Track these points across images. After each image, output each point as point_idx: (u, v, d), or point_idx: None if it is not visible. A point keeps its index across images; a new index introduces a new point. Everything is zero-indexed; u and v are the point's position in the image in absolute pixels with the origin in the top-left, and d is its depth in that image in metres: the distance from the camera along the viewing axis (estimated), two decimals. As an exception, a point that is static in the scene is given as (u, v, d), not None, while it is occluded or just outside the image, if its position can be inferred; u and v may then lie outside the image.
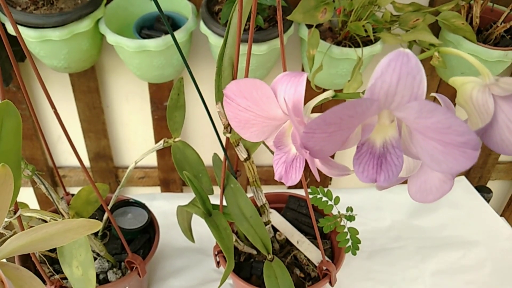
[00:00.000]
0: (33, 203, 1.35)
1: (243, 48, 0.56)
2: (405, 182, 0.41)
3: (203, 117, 1.20)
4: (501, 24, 0.96)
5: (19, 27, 0.86)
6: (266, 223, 0.77)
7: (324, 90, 0.38)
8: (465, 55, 0.35)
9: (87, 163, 1.29)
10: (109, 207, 0.76)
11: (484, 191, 1.29)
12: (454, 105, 0.38)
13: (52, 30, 0.86)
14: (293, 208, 0.88)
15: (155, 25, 0.99)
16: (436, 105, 0.28)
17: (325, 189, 0.78)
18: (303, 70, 1.11)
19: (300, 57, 1.07)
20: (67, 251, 0.65)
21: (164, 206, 1.03)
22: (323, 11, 0.86)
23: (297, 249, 0.82)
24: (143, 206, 0.87)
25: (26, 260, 0.79)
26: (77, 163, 1.04)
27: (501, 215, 1.15)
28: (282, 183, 0.40)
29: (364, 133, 0.32)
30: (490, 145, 0.33)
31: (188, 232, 0.79)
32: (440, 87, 1.17)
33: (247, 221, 0.68)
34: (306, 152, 0.32)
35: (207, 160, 0.72)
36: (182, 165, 0.71)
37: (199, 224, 0.77)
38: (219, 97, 0.56)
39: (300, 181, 0.54)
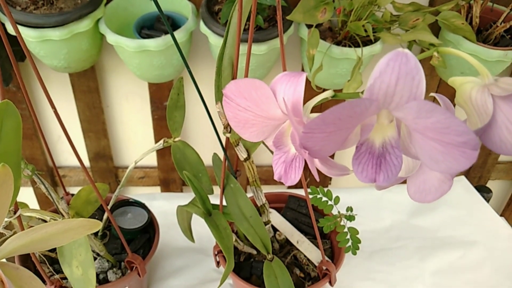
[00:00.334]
0: (33, 203, 1.35)
1: (243, 48, 0.56)
2: (405, 182, 0.41)
3: (203, 117, 1.20)
4: (501, 24, 0.96)
5: (19, 27, 0.86)
6: (266, 223, 0.77)
7: (324, 90, 0.38)
8: (464, 55, 0.35)
9: (87, 163, 1.29)
10: (109, 207, 0.76)
11: (484, 191, 1.29)
12: (454, 105, 0.38)
13: (52, 30, 0.86)
14: (293, 208, 0.88)
15: (155, 25, 0.99)
16: (435, 105, 0.28)
17: (325, 189, 0.78)
18: (303, 70, 1.11)
19: (300, 57, 1.07)
20: (67, 251, 0.65)
21: (164, 206, 1.03)
22: (323, 11, 0.86)
23: (297, 249, 0.82)
24: (143, 206, 0.87)
25: (26, 260, 0.79)
26: (77, 163, 1.04)
27: (501, 215, 1.15)
28: (282, 183, 0.40)
29: (363, 133, 0.32)
30: (489, 145, 0.33)
31: (188, 232, 0.79)
32: (440, 87, 1.17)
33: (247, 221, 0.68)
34: (305, 152, 0.32)
35: (207, 160, 0.72)
36: (182, 165, 0.71)
37: (199, 224, 0.77)
38: (219, 97, 0.56)
39: (300, 181, 0.54)
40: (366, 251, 0.98)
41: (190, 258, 0.95)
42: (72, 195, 0.76)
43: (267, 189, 0.82)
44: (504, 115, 0.32)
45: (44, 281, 0.70)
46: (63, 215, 0.71)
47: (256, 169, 0.68)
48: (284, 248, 0.83)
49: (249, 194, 0.73)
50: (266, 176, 1.32)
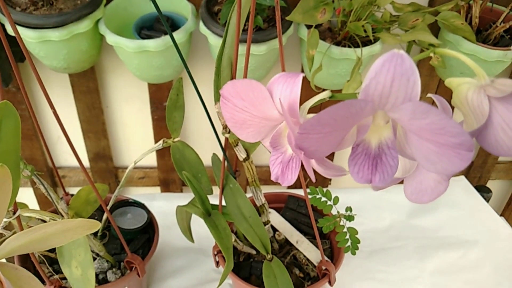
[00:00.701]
0: (33, 204, 1.35)
1: (242, 48, 0.56)
2: (403, 182, 0.41)
3: (202, 117, 1.20)
4: (500, 24, 0.96)
5: (19, 28, 0.86)
6: (265, 223, 0.77)
7: (324, 90, 0.38)
8: (461, 56, 0.35)
9: (86, 163, 1.29)
10: (108, 207, 0.76)
11: (484, 191, 1.29)
12: (452, 106, 0.38)
13: (51, 31, 0.87)
14: (292, 208, 0.88)
15: (155, 25, 0.99)
16: (430, 106, 0.28)
17: (324, 189, 0.78)
18: (302, 70, 1.11)
19: (300, 58, 1.07)
20: (67, 251, 0.65)
21: (163, 206, 1.03)
22: (323, 11, 0.86)
23: (297, 249, 0.82)
24: (142, 206, 0.87)
25: (25, 260, 0.79)
26: (77, 164, 1.04)
27: (500, 215, 1.15)
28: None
29: (359, 134, 0.33)
30: (485, 146, 0.33)
31: (187, 232, 0.79)
32: (440, 87, 1.17)
33: (246, 221, 0.68)
34: (301, 152, 0.32)
35: (206, 160, 0.72)
36: (182, 165, 0.71)
37: (198, 224, 0.77)
38: (218, 97, 0.56)
39: (299, 181, 0.55)
40: (365, 251, 0.98)
41: (190, 258, 0.96)
42: (72, 195, 0.76)
43: (266, 189, 0.82)
44: (500, 116, 0.32)
45: (43, 282, 0.70)
46: (62, 216, 0.71)
47: (256, 169, 0.68)
48: (284, 248, 0.83)
49: (249, 194, 0.73)
50: (266, 176, 1.32)
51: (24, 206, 0.71)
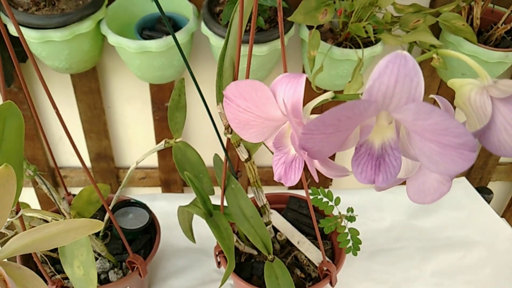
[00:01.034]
0: (35, 204, 1.35)
1: (244, 49, 0.57)
2: (405, 183, 0.41)
3: (204, 117, 1.20)
4: (501, 25, 0.96)
5: (21, 28, 0.86)
6: (267, 224, 0.77)
7: (325, 91, 0.38)
8: (463, 56, 0.35)
9: (88, 163, 1.29)
10: (110, 208, 0.76)
11: (485, 192, 1.29)
12: (454, 107, 0.38)
13: (53, 31, 0.87)
14: (294, 209, 0.88)
15: (156, 26, 0.99)
16: (433, 107, 0.28)
17: (326, 190, 0.78)
18: (303, 71, 1.11)
19: (301, 58, 1.07)
20: (69, 251, 0.65)
21: (165, 206, 1.03)
22: (324, 12, 0.86)
23: (298, 250, 0.82)
24: (144, 206, 0.87)
25: (27, 260, 0.79)
26: (79, 164, 1.05)
27: (501, 216, 1.15)
28: (282, 184, 0.40)
29: (363, 134, 0.33)
30: (488, 146, 0.33)
31: (189, 232, 0.79)
32: (441, 88, 1.17)
33: (248, 222, 0.68)
34: (304, 153, 0.32)
35: (208, 161, 0.72)
36: (183, 165, 0.71)
37: (200, 224, 0.77)
38: (220, 98, 0.56)
39: (301, 182, 0.55)
40: (366, 251, 0.98)
41: (191, 258, 0.96)
42: (74, 195, 0.76)
43: (268, 189, 0.82)
44: (503, 117, 0.32)
45: (45, 281, 0.70)
46: (64, 216, 0.71)
47: (257, 170, 0.68)
48: (285, 248, 0.83)
49: (250, 195, 0.73)
50: (267, 176, 1.33)
51: (27, 206, 0.71)
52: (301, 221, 0.87)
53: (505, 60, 0.92)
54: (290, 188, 1.24)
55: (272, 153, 0.41)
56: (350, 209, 0.77)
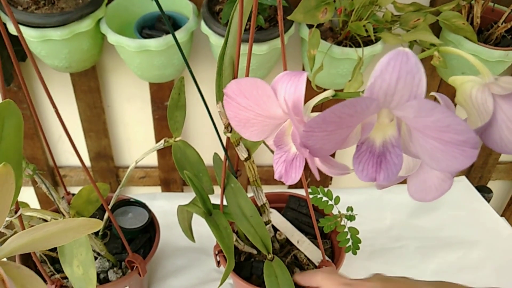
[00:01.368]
0: (34, 203, 1.35)
1: (244, 47, 0.57)
2: (405, 181, 0.41)
3: (203, 116, 1.20)
4: (502, 24, 0.96)
5: (21, 27, 0.86)
6: (267, 223, 0.77)
7: (325, 90, 0.38)
8: (465, 54, 0.35)
9: (87, 162, 1.29)
10: (109, 207, 0.76)
11: (485, 191, 1.29)
12: (455, 104, 0.38)
13: (53, 30, 0.87)
14: (294, 208, 0.88)
15: (156, 24, 0.99)
16: (435, 104, 0.28)
17: (326, 189, 0.78)
18: (303, 70, 1.11)
19: (301, 57, 1.07)
20: (68, 251, 0.65)
21: (164, 205, 1.03)
22: (324, 11, 0.86)
23: (297, 249, 0.82)
24: (143, 205, 0.87)
25: (26, 260, 0.79)
26: (78, 163, 1.04)
27: (501, 215, 1.15)
28: (282, 183, 0.40)
29: (364, 132, 0.32)
30: (489, 144, 0.33)
31: (188, 231, 0.79)
32: (441, 87, 1.17)
33: (247, 221, 0.68)
34: (306, 150, 0.32)
35: (208, 160, 0.72)
36: (183, 164, 0.71)
37: (199, 223, 0.77)
38: (220, 96, 0.56)
39: (301, 181, 0.54)
40: (366, 251, 0.98)
41: (191, 257, 0.96)
42: (73, 194, 0.76)
43: (267, 189, 0.82)
44: (504, 114, 0.32)
45: (44, 281, 0.70)
46: (64, 215, 0.71)
47: (257, 169, 0.68)
48: (285, 248, 0.83)
49: (250, 194, 0.73)
50: (267, 176, 1.32)
51: (26, 205, 0.71)
52: (301, 220, 0.87)
53: (505, 59, 0.92)
54: (290, 187, 1.24)
55: (272, 152, 0.41)
56: (350, 208, 0.77)
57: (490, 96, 0.32)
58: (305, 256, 0.81)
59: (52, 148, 1.27)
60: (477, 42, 0.92)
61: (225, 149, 0.63)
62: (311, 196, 0.77)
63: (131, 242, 0.83)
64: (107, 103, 1.19)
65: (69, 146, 0.60)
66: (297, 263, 0.81)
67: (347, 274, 0.91)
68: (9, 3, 0.89)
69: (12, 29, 0.84)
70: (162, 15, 0.50)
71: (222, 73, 0.56)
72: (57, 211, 0.72)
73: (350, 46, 0.92)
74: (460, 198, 1.12)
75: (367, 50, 0.90)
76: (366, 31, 0.86)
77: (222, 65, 0.55)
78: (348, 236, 0.75)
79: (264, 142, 0.45)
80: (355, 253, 0.75)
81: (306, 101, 0.36)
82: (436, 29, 0.98)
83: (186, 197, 0.84)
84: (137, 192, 1.39)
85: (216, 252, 0.78)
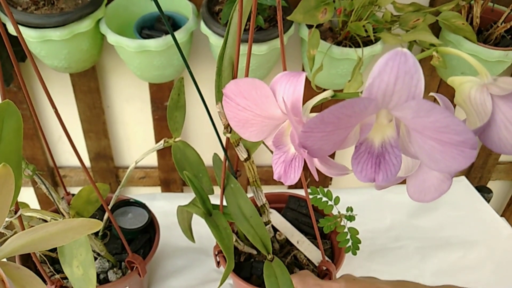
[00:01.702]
0: (34, 203, 1.35)
1: (243, 48, 0.56)
2: (405, 182, 0.41)
3: (203, 117, 1.20)
4: (501, 24, 0.96)
5: (20, 27, 0.86)
6: (266, 223, 0.77)
7: (325, 90, 0.38)
8: (464, 54, 0.35)
9: (87, 163, 1.29)
10: (109, 207, 0.76)
11: (484, 191, 1.29)
12: (454, 105, 0.38)
13: (52, 30, 0.87)
14: (293, 208, 0.88)
15: (156, 25, 0.99)
16: (433, 104, 0.28)
17: (325, 189, 0.78)
18: (303, 70, 1.11)
19: (301, 57, 1.07)
20: (68, 251, 0.65)
21: (164, 206, 1.03)
22: (324, 11, 0.86)
23: (297, 249, 0.82)
24: (143, 206, 0.87)
25: (26, 260, 0.79)
26: (78, 163, 1.04)
27: (501, 215, 1.15)
28: (282, 183, 0.40)
29: (363, 133, 0.32)
30: (488, 144, 0.33)
31: (188, 232, 0.79)
32: (440, 87, 1.17)
33: (247, 221, 0.68)
34: (304, 151, 0.32)
35: (207, 160, 0.72)
36: (183, 165, 0.71)
37: (199, 224, 0.77)
38: (219, 97, 0.56)
39: (300, 181, 0.54)
40: (366, 251, 0.98)
41: (191, 258, 0.96)
42: (73, 195, 0.76)
43: (267, 189, 0.82)
44: (503, 114, 0.32)
45: (44, 281, 0.70)
46: (63, 215, 0.71)
47: (257, 169, 0.68)
48: (284, 248, 0.83)
49: (250, 194, 0.73)
50: (267, 176, 1.32)
51: (25, 205, 0.70)
52: (301, 221, 0.87)
53: (504, 59, 0.92)
54: (290, 187, 1.24)
55: (272, 152, 0.41)
56: (350, 209, 0.77)
57: (488, 97, 0.32)
58: (305, 256, 0.81)
59: (52, 148, 1.27)
60: (477, 42, 0.92)
61: (225, 150, 0.63)
62: (311, 197, 0.77)
63: (131, 243, 0.83)
64: (106, 103, 1.19)
65: (69, 147, 0.60)
66: (297, 264, 0.81)
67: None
68: (8, 4, 0.89)
69: (11, 30, 0.84)
70: (162, 15, 0.50)
71: (221, 73, 0.56)
72: (57, 211, 0.72)
73: (350, 46, 0.92)
74: (460, 198, 1.12)
75: (367, 50, 0.90)
76: (366, 31, 0.86)
77: (222, 65, 0.55)
78: (348, 237, 0.75)
79: (263, 143, 0.45)
80: (354, 254, 0.75)
81: (305, 101, 0.36)
82: (435, 29, 0.98)
83: (186, 197, 0.84)
84: (137, 193, 1.39)
85: (216, 253, 0.78)
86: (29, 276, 0.45)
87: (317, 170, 0.38)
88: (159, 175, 1.32)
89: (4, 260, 0.44)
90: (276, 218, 0.86)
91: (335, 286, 0.67)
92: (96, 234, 0.81)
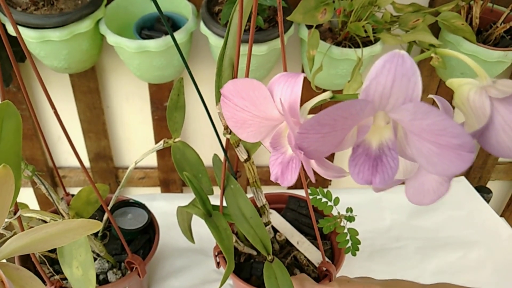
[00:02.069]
0: (33, 204, 1.35)
1: (243, 48, 0.56)
2: (403, 183, 0.41)
3: (203, 117, 1.20)
4: (501, 24, 0.96)
5: (19, 28, 0.86)
6: (266, 224, 0.77)
7: (325, 91, 0.38)
8: (462, 56, 0.35)
9: (87, 163, 1.29)
10: (109, 208, 0.76)
11: (484, 192, 1.29)
12: (453, 107, 0.38)
13: (52, 31, 0.87)
14: (293, 209, 0.88)
15: (155, 25, 0.99)
16: (431, 107, 0.28)
17: (325, 190, 0.78)
18: (303, 70, 1.11)
19: (300, 58, 1.07)
20: (67, 252, 0.65)
21: (164, 206, 1.03)
22: (323, 12, 0.86)
23: (297, 250, 0.82)
24: (143, 206, 0.87)
25: (26, 261, 0.79)
26: (77, 164, 1.04)
27: (501, 216, 1.15)
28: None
29: (360, 135, 0.32)
30: (486, 147, 0.32)
31: (188, 232, 0.79)
32: (440, 88, 1.17)
33: (247, 222, 0.68)
34: (300, 152, 0.32)
35: (207, 161, 0.72)
36: (182, 165, 0.71)
37: (199, 224, 0.77)
38: (219, 97, 0.56)
39: (300, 182, 0.54)
40: (366, 251, 0.98)
41: (190, 258, 0.96)
42: (72, 195, 0.76)
43: (267, 189, 0.82)
44: (502, 117, 0.32)
45: (44, 282, 0.70)
46: (63, 216, 0.71)
47: (257, 169, 0.68)
48: (284, 249, 0.83)
49: (249, 195, 0.73)
50: (266, 177, 1.32)
51: (25, 206, 0.70)
52: (301, 221, 0.86)
53: (504, 60, 0.92)
54: (290, 188, 1.24)
55: (271, 152, 0.41)
56: (350, 209, 0.77)
57: (487, 99, 0.32)
58: (305, 257, 0.81)
59: (51, 149, 1.27)
60: (476, 43, 0.92)
61: (225, 150, 0.63)
62: (310, 197, 0.77)
63: (130, 243, 0.83)
64: (106, 103, 1.19)
65: (68, 147, 0.60)
66: (297, 264, 0.81)
67: (347, 275, 0.91)
68: (8, 4, 0.89)
69: (11, 30, 0.84)
70: (161, 16, 0.50)
71: (221, 74, 0.56)
72: (57, 212, 0.72)
73: (350, 47, 0.92)
74: (459, 199, 1.12)
75: (366, 51, 0.90)
76: (365, 31, 0.86)
77: (222, 66, 0.55)
78: (348, 237, 0.75)
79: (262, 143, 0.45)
80: (354, 254, 0.75)
81: (304, 102, 0.36)
82: (435, 29, 0.98)
83: (186, 198, 0.84)
84: (136, 193, 1.39)
85: (216, 253, 0.78)
86: (28, 277, 0.45)
87: (315, 172, 0.38)
88: (159, 176, 1.32)
89: (4, 261, 0.44)
90: (276, 219, 0.86)
91: None
92: (95, 234, 0.81)
